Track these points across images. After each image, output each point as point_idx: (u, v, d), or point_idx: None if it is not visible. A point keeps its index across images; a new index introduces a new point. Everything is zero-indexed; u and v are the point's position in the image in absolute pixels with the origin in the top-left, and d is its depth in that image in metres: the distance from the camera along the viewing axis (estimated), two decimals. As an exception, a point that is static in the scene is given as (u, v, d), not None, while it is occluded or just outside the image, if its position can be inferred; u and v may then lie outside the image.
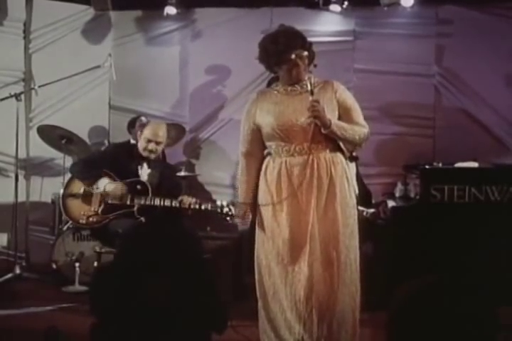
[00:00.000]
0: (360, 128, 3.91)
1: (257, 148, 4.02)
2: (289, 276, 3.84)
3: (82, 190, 5.31)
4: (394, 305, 1.81)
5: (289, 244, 3.83)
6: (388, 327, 1.80)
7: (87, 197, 5.30)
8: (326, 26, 6.82)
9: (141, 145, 5.32)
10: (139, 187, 5.26)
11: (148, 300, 2.52)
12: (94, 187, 5.23)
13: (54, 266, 5.99)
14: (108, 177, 5.26)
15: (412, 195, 5.66)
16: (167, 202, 5.16)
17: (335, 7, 6.65)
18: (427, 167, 5.52)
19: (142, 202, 5.20)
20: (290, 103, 3.90)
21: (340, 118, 3.91)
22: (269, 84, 5.91)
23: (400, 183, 5.91)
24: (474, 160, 5.67)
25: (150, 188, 5.24)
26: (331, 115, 3.85)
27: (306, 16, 6.73)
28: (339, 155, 3.93)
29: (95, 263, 5.31)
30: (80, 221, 5.25)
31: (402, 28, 6.72)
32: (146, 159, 5.36)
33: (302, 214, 3.83)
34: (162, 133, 5.33)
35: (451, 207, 5.21)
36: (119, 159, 5.35)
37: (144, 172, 5.37)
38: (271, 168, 3.93)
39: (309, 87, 3.83)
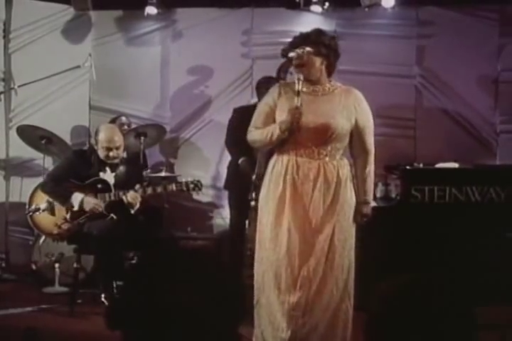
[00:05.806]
0: (370, 167, 3.96)
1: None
2: (288, 280, 3.83)
3: (45, 202, 5.30)
4: (373, 304, 1.81)
5: (290, 246, 3.81)
6: (368, 327, 1.80)
7: (51, 208, 5.29)
8: (307, 27, 6.74)
9: (101, 153, 5.21)
10: (100, 186, 5.21)
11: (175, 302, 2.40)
12: (69, 205, 5.15)
13: (34, 266, 5.95)
14: (78, 190, 5.16)
15: (393, 195, 5.67)
16: (131, 192, 5.11)
17: (316, 8, 6.65)
18: (407, 167, 5.53)
19: (107, 198, 5.17)
20: (308, 104, 3.84)
21: (352, 133, 3.91)
22: (257, 87, 5.93)
23: (381, 184, 5.91)
24: (455, 160, 5.69)
25: (111, 183, 5.21)
26: (346, 121, 3.85)
27: (286, 17, 6.73)
28: (345, 158, 3.95)
29: (75, 264, 5.29)
30: (53, 232, 5.19)
31: (383, 29, 6.74)
32: (108, 163, 5.28)
33: (305, 216, 3.83)
34: (117, 137, 5.21)
35: (431, 208, 5.23)
36: (80, 168, 5.25)
37: (108, 176, 5.28)
38: (278, 166, 3.91)
39: (297, 87, 3.80)
